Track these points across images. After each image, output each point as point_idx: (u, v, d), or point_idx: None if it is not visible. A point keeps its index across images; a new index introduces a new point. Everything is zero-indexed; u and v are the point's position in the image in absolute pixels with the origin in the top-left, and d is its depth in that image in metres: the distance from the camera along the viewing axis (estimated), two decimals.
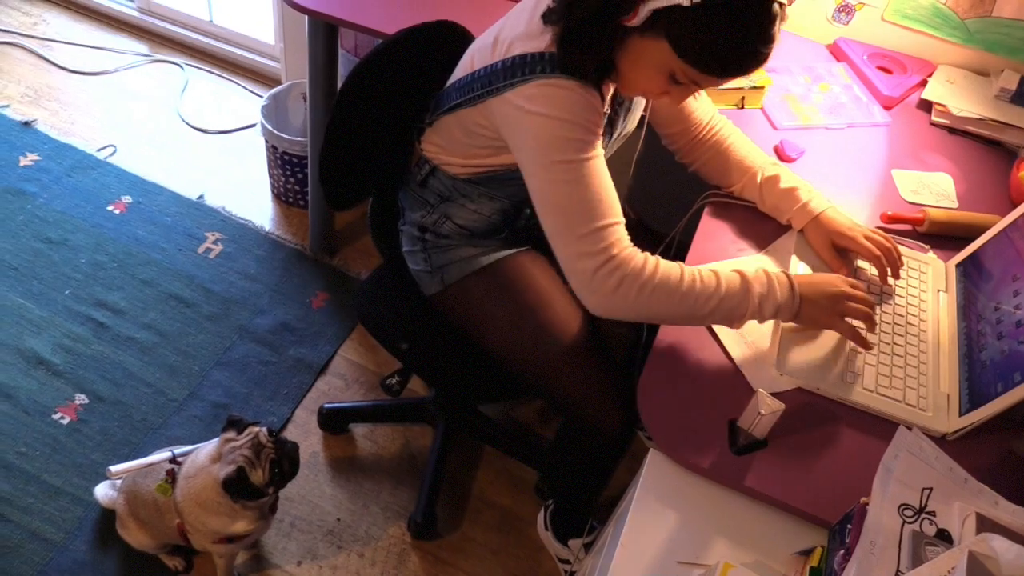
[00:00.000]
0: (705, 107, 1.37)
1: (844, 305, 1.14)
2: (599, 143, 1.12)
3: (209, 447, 1.48)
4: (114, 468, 1.59)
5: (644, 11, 1.00)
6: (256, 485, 1.41)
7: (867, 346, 1.15)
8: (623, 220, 1.13)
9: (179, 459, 1.53)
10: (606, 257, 1.09)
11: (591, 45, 1.06)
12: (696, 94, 1.32)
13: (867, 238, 1.27)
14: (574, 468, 1.53)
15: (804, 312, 1.13)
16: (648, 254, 1.13)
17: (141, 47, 2.77)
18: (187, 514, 1.47)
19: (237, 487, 1.39)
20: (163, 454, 1.56)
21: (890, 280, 1.27)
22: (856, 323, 1.15)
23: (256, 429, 1.44)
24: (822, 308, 1.13)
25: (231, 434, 1.45)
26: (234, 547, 1.54)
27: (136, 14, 2.79)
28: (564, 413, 1.40)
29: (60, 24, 2.78)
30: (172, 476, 1.50)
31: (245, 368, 1.97)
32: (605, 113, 1.19)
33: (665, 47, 1.03)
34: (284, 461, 1.45)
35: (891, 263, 1.26)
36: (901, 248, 1.33)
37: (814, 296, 1.13)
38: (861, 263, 1.30)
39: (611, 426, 1.31)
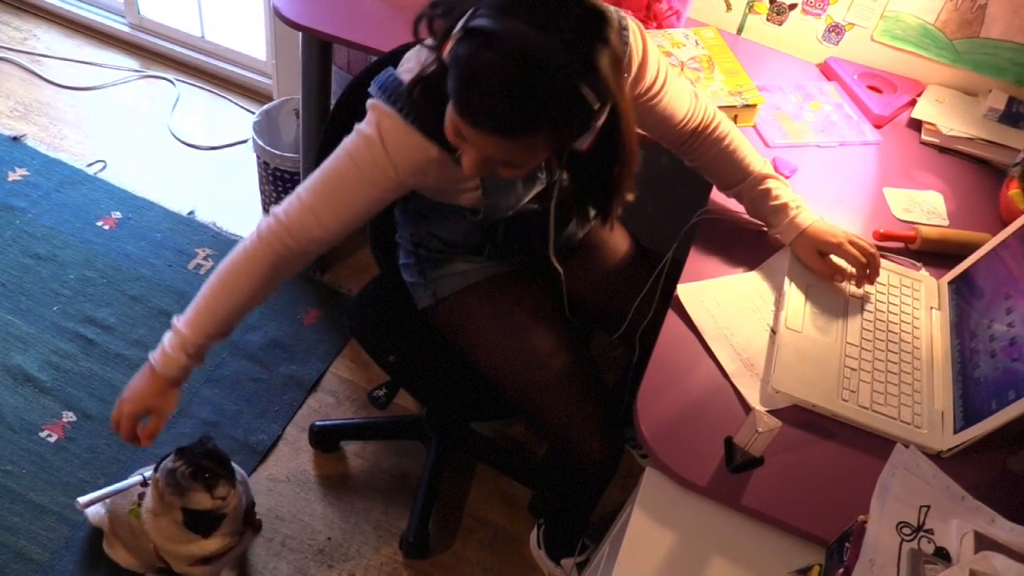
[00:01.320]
0: (696, 109, 1.31)
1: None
2: (390, 184, 1.12)
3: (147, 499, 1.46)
4: (82, 499, 1.53)
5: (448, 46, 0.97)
6: (209, 506, 1.40)
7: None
8: (309, 238, 1.16)
9: (150, 482, 1.49)
10: (279, 232, 1.15)
11: (423, 81, 1.03)
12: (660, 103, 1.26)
13: (852, 243, 1.28)
14: (561, 492, 1.53)
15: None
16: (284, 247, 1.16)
17: (132, 63, 2.76)
18: (159, 546, 1.46)
19: (199, 523, 1.40)
20: (135, 478, 1.53)
21: (865, 287, 1.29)
22: None
23: (163, 464, 1.42)
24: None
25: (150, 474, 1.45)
26: (214, 568, 1.51)
27: (127, 30, 2.78)
28: (548, 439, 1.41)
29: (51, 39, 2.78)
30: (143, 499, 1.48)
31: (235, 385, 1.96)
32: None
33: None
34: (203, 461, 1.40)
35: (872, 268, 1.28)
36: (894, 266, 1.34)
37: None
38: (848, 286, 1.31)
39: (593, 457, 1.31)
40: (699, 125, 1.32)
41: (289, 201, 1.16)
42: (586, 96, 0.93)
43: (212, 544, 1.45)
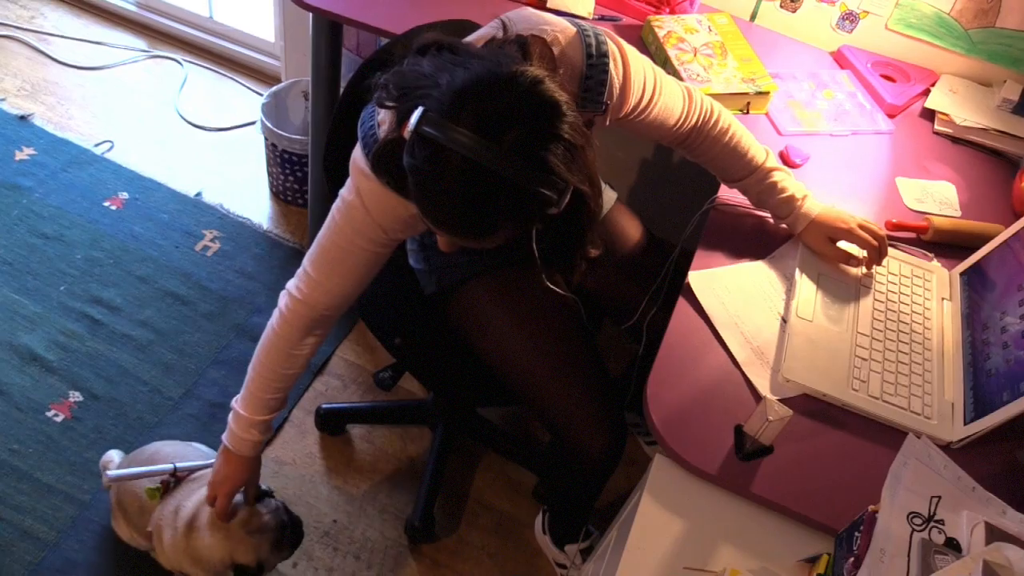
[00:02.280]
0: (690, 109, 1.27)
1: None
2: (384, 240, 1.14)
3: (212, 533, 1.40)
4: (111, 473, 1.51)
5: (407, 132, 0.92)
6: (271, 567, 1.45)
7: None
8: (327, 305, 1.20)
9: (179, 473, 1.47)
10: (296, 307, 1.22)
11: (388, 147, 0.99)
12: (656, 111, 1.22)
13: (862, 227, 1.29)
14: (563, 483, 1.53)
15: None
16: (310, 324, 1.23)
17: (140, 43, 2.75)
18: (179, 566, 1.45)
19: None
20: (165, 466, 1.49)
21: (874, 268, 1.30)
22: None
23: (275, 503, 1.43)
24: None
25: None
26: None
27: (135, 9, 2.77)
28: (549, 432, 1.41)
29: (58, 18, 2.76)
30: (166, 486, 1.46)
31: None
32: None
33: None
34: (300, 528, 1.49)
35: (881, 252, 1.28)
36: (906, 256, 1.34)
37: None
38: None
39: (594, 454, 1.31)
40: (696, 123, 1.28)
41: (299, 276, 1.21)
42: (542, 194, 0.89)
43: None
